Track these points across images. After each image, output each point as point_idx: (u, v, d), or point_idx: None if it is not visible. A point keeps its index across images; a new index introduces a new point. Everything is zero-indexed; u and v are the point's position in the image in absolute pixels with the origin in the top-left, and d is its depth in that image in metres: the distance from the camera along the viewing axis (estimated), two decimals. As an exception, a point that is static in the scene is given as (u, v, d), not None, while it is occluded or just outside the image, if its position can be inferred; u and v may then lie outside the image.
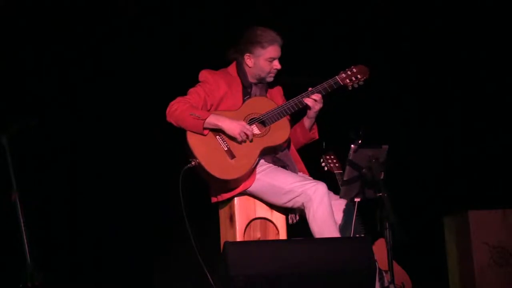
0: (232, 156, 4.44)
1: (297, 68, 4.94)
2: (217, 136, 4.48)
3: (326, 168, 4.87)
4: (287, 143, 4.59)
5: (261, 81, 4.63)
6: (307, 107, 4.56)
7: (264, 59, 4.56)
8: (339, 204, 4.43)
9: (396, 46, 6.11)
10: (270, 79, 4.62)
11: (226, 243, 3.89)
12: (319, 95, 4.53)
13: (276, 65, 4.57)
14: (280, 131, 4.51)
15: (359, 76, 4.60)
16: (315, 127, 4.69)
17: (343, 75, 4.59)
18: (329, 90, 4.56)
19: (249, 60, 4.59)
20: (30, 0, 5.60)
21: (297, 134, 4.68)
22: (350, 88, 4.60)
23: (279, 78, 4.70)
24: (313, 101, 4.52)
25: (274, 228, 4.57)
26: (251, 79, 4.63)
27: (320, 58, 5.80)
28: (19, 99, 5.52)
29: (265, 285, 3.78)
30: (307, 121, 4.63)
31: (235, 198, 4.52)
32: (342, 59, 4.72)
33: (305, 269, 3.86)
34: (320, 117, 4.59)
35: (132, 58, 5.75)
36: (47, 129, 5.26)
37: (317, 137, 4.73)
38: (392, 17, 6.12)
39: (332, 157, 4.90)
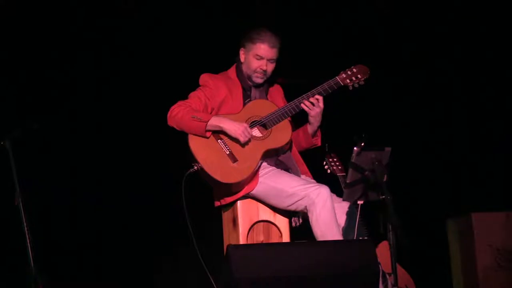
0: (234, 159, 4.44)
1: (297, 69, 4.94)
2: (219, 140, 4.48)
3: (329, 171, 4.87)
4: (289, 145, 4.59)
5: (251, 81, 4.61)
6: (305, 111, 4.56)
7: (252, 55, 4.56)
8: (342, 207, 4.43)
9: (398, 47, 6.10)
10: (256, 79, 4.60)
11: (229, 246, 3.89)
12: (320, 97, 4.53)
13: (262, 65, 4.55)
14: (282, 133, 4.51)
15: (359, 76, 4.59)
16: (318, 133, 4.68)
17: (343, 75, 4.59)
18: (330, 91, 4.55)
19: (242, 55, 4.61)
20: (30, 0, 5.61)
21: (300, 138, 4.68)
22: (350, 88, 4.59)
23: (280, 80, 4.70)
24: (310, 104, 4.52)
25: (277, 231, 4.57)
26: (249, 81, 4.63)
27: (320, 58, 5.80)
28: (21, 103, 5.53)
29: (268, 288, 3.79)
30: (309, 126, 4.63)
31: (238, 201, 4.52)
32: (342, 60, 4.72)
33: (308, 272, 3.86)
34: (323, 119, 4.59)
35: (133, 62, 5.76)
36: (49, 133, 5.27)
37: (319, 144, 4.72)
38: (394, 17, 6.12)
39: (335, 159, 4.89)
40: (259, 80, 4.60)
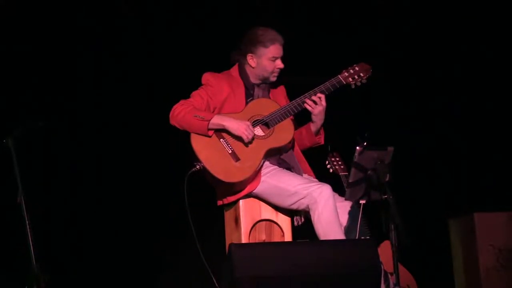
0: (237, 158, 4.44)
1: (299, 67, 4.94)
2: (221, 139, 4.48)
3: (331, 170, 4.87)
4: (292, 144, 4.59)
5: (264, 81, 4.63)
6: (308, 110, 4.56)
7: (267, 58, 4.57)
8: (344, 206, 4.43)
9: (400, 46, 6.10)
10: (273, 78, 4.62)
11: (231, 245, 3.89)
12: (323, 95, 4.54)
13: (279, 64, 4.58)
14: (284, 132, 4.51)
15: (361, 74, 4.60)
16: (322, 132, 4.68)
17: (346, 73, 4.59)
18: (332, 89, 4.56)
19: (251, 60, 4.60)
20: (32, 0, 5.62)
21: (303, 136, 4.68)
22: (353, 86, 4.60)
23: (282, 78, 4.70)
24: (313, 103, 4.53)
25: (279, 230, 4.57)
26: (254, 80, 4.64)
27: (322, 57, 5.80)
28: (24, 101, 5.53)
29: (270, 287, 3.78)
30: (312, 125, 4.63)
31: (240, 200, 4.52)
32: (344, 58, 4.72)
33: (310, 271, 3.86)
34: (325, 117, 4.59)
35: (135, 61, 5.76)
36: (52, 131, 5.28)
37: (322, 142, 4.72)
38: (395, 15, 6.12)
39: (337, 158, 4.89)
40: (275, 79, 4.62)
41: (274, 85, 4.71)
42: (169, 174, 5.29)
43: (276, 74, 4.61)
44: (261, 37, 4.57)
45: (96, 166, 5.70)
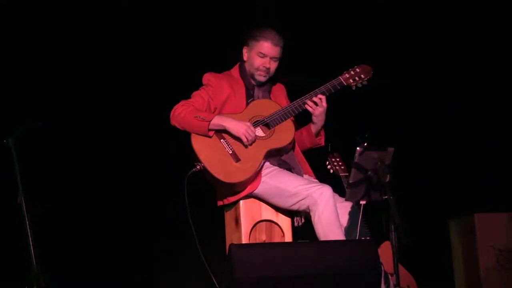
0: (237, 159, 4.44)
1: (300, 68, 4.93)
2: (222, 140, 4.48)
3: (331, 171, 4.87)
4: (292, 144, 4.59)
5: (253, 78, 4.62)
6: (309, 111, 4.56)
7: (255, 53, 4.57)
8: (345, 206, 4.43)
9: (401, 47, 6.10)
10: (259, 77, 4.60)
11: (231, 245, 3.89)
12: (323, 96, 4.54)
13: (265, 62, 4.56)
14: (285, 133, 4.51)
15: (362, 76, 4.60)
16: (322, 133, 4.68)
17: (347, 75, 4.59)
18: (333, 91, 4.56)
19: (245, 54, 4.62)
20: (31, 0, 5.62)
21: (303, 137, 4.68)
22: (354, 88, 4.60)
23: (282, 79, 4.70)
24: (313, 104, 4.53)
25: (280, 230, 4.57)
26: (253, 80, 4.63)
27: (323, 58, 5.80)
28: (24, 101, 5.53)
29: (270, 287, 3.78)
30: (313, 126, 4.63)
31: (241, 200, 4.52)
32: (345, 59, 4.72)
33: (310, 271, 3.86)
34: (326, 119, 4.59)
35: (136, 61, 5.76)
36: (52, 132, 5.28)
37: (323, 144, 4.72)
38: (396, 16, 6.12)
39: (337, 159, 4.89)
40: (262, 79, 4.60)
41: (275, 85, 4.71)
42: (169, 174, 5.29)
43: (262, 74, 4.59)
44: (257, 32, 4.59)
45: (96, 166, 5.70)
